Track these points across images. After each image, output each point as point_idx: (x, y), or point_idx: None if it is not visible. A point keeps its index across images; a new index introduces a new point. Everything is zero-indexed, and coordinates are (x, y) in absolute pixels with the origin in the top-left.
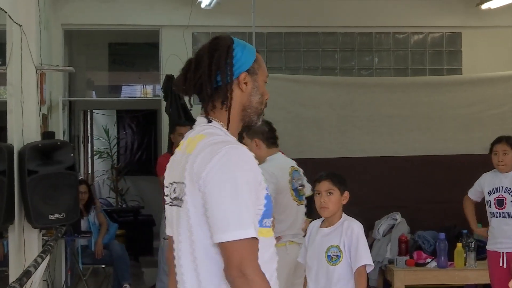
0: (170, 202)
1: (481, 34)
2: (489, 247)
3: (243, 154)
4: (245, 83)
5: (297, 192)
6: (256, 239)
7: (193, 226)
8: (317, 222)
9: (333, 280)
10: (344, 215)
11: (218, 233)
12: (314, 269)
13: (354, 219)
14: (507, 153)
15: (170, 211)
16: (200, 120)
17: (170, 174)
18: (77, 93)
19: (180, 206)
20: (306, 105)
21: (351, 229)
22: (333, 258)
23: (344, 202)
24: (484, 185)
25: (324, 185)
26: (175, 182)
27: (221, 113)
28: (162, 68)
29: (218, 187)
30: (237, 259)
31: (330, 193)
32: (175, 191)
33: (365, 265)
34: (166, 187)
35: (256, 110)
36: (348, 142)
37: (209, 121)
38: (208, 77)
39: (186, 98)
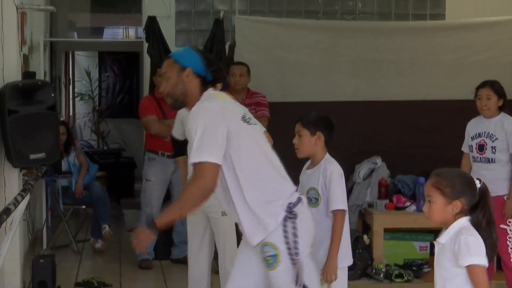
0: (247, 121)
1: None
2: None
3: None
4: None
5: None
6: None
7: None
8: (307, 163)
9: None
10: (326, 157)
11: None
12: None
13: (334, 161)
14: (491, 98)
15: (251, 128)
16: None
17: (240, 111)
18: (59, 34)
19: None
20: (288, 49)
21: (326, 171)
22: (312, 200)
23: (317, 143)
24: (469, 131)
25: (296, 127)
26: (246, 113)
27: None
28: (144, 10)
29: None
30: None
31: (299, 135)
32: (250, 117)
33: (340, 209)
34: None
35: None
36: (331, 86)
37: None
38: None
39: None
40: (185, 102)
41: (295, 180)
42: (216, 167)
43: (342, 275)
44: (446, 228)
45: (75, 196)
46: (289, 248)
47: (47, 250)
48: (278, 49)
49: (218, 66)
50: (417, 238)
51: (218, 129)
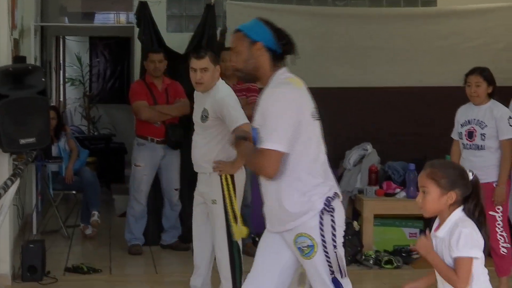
0: (314, 116)
1: None
2: None
3: None
4: None
5: None
6: None
7: None
8: None
9: None
10: None
11: None
12: None
13: None
14: (480, 85)
15: (316, 125)
16: None
17: (311, 104)
18: (50, 19)
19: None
20: None
21: None
22: None
23: None
24: (458, 118)
25: None
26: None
27: None
28: None
29: None
30: None
31: None
32: (315, 111)
33: None
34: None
35: None
36: (323, 72)
37: None
38: None
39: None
40: (256, 76)
41: None
42: (281, 156)
43: None
44: (441, 219)
45: (65, 182)
46: (324, 241)
47: (37, 235)
48: None
49: (289, 39)
50: (407, 224)
51: (291, 119)
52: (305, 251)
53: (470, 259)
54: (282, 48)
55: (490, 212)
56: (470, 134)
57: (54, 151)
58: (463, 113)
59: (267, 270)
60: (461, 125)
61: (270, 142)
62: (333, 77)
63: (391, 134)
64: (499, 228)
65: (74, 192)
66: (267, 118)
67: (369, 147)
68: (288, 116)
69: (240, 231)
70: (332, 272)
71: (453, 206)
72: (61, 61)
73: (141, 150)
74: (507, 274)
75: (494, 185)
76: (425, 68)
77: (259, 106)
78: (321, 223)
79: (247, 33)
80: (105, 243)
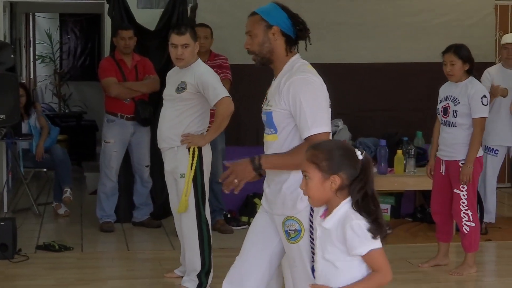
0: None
1: None
2: (437, 153)
3: None
4: None
5: None
6: None
7: None
8: None
9: None
10: None
11: None
12: None
13: None
14: (455, 64)
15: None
16: None
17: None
18: None
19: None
20: (251, 10)
21: None
22: None
23: None
24: (439, 94)
25: None
26: None
27: None
28: None
29: None
30: None
31: None
32: None
33: None
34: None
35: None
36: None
37: None
38: None
39: None
40: (270, 60)
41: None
42: (329, 137)
43: None
44: (330, 208)
45: (36, 159)
46: (311, 226)
47: (8, 213)
48: (242, 11)
49: (304, 25)
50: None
51: (326, 103)
52: (292, 235)
53: (377, 250)
54: (296, 33)
55: (455, 190)
56: (445, 111)
57: (24, 128)
58: (444, 90)
59: (256, 256)
60: (440, 101)
61: (319, 126)
62: (304, 53)
63: (362, 110)
64: (463, 206)
65: (45, 169)
66: (305, 103)
67: (340, 123)
68: (324, 100)
69: (185, 205)
70: (313, 260)
71: (342, 192)
72: (31, 38)
73: (111, 126)
74: (473, 250)
75: (460, 163)
76: (395, 44)
77: (282, 92)
78: (311, 209)
79: (264, 17)
80: (76, 220)
